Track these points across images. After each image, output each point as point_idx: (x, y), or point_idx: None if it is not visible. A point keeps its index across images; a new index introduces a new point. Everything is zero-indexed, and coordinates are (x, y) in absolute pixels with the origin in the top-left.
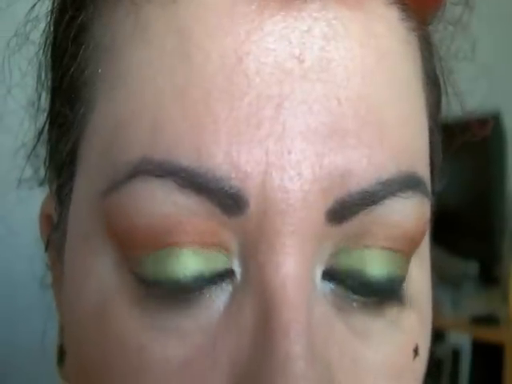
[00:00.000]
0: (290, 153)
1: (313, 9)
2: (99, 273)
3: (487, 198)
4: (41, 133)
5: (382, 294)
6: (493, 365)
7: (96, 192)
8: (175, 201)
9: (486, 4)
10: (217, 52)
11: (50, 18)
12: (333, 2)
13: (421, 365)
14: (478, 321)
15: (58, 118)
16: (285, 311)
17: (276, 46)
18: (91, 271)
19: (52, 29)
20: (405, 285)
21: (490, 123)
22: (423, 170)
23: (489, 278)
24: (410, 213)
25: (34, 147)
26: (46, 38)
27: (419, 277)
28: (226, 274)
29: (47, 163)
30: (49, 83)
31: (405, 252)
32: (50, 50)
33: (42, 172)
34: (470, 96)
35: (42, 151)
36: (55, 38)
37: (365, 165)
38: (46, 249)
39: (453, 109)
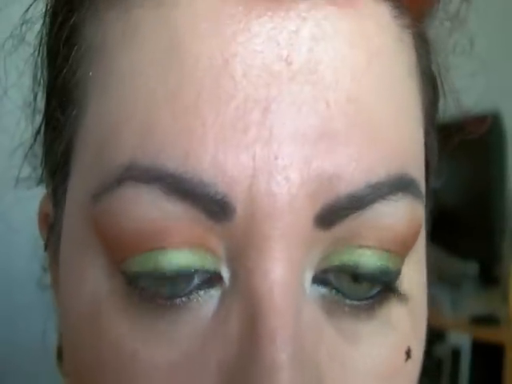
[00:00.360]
0: (276, 158)
1: (301, 9)
2: (92, 276)
3: (487, 197)
4: (37, 132)
5: (375, 289)
6: (493, 365)
7: (88, 194)
8: (161, 207)
9: None
10: (205, 54)
11: (44, 19)
12: (322, 0)
13: (414, 367)
14: (477, 321)
15: (52, 119)
16: (271, 318)
17: (263, 48)
18: (84, 274)
19: (46, 30)
20: (398, 282)
21: (487, 120)
22: (416, 170)
23: (489, 278)
24: (401, 215)
25: (31, 147)
26: (41, 39)
27: (414, 277)
28: (215, 279)
29: (43, 164)
30: (44, 84)
31: (398, 253)
32: (44, 51)
33: (40, 171)
34: (469, 95)
35: (40, 151)
36: (49, 39)
37: (353, 168)
38: (46, 248)
39: (451, 108)
